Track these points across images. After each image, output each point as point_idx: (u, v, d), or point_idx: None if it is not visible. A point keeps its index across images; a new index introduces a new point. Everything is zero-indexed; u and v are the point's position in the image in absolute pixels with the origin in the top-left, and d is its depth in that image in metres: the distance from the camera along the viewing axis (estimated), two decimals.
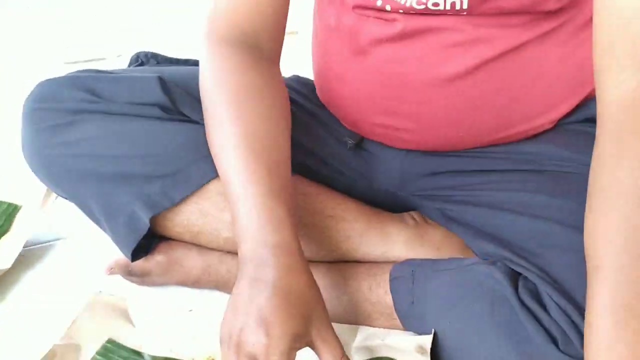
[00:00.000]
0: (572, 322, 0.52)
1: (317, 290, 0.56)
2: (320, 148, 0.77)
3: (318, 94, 0.79)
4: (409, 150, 0.74)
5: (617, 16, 0.49)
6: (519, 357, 0.52)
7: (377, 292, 0.66)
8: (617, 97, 0.49)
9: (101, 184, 0.71)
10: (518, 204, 0.63)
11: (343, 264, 0.71)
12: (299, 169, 0.72)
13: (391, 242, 0.71)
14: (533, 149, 0.69)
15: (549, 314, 0.52)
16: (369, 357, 0.63)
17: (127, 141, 0.71)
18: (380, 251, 0.70)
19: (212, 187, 0.70)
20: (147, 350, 0.69)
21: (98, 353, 0.68)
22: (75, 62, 1.33)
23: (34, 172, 0.76)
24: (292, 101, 0.73)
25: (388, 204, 0.78)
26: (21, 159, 0.76)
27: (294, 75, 0.86)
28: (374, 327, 0.66)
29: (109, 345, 0.70)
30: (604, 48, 0.51)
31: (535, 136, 0.70)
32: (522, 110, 0.68)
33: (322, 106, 0.79)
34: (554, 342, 0.51)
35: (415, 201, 0.76)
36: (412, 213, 0.76)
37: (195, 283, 0.76)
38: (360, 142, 0.77)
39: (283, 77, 0.72)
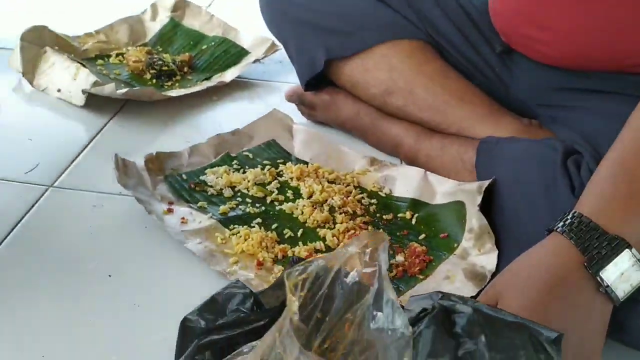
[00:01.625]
0: None
1: None
2: (472, 51, 0.91)
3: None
4: (545, 65, 0.84)
5: None
6: (546, 200, 0.64)
7: (469, 154, 0.80)
8: None
9: (300, 28, 0.95)
10: (610, 114, 0.72)
11: (453, 135, 0.86)
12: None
13: (501, 129, 0.83)
14: None
15: (580, 176, 0.62)
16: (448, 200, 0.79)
17: (327, 1, 0.94)
18: (488, 133, 0.83)
19: (377, 50, 0.90)
20: (296, 154, 0.93)
21: (263, 143, 0.94)
22: None
23: (262, 15, 1.03)
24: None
25: (518, 110, 0.89)
26: None
27: None
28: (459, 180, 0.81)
29: (271, 142, 0.95)
30: None
31: None
32: None
33: (485, 15, 0.92)
34: (574, 193, 0.61)
35: (538, 110, 0.86)
36: (532, 120, 0.87)
37: (344, 124, 0.97)
38: (508, 51, 0.89)
39: None
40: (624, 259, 0.50)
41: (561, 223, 0.53)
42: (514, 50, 0.88)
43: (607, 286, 0.49)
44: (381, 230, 0.78)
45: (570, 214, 0.53)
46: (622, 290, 0.50)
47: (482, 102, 0.87)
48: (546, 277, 0.50)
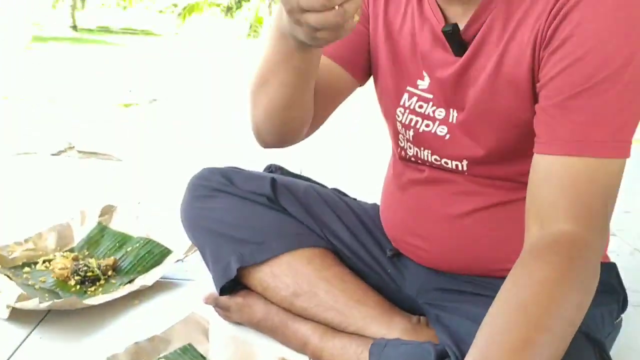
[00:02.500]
0: None
1: None
2: (367, 255, 1.05)
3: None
4: (427, 268, 0.98)
5: (532, 183, 0.73)
6: None
7: (364, 355, 0.89)
8: (527, 241, 0.72)
9: (216, 239, 1.06)
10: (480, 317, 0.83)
11: (353, 334, 0.96)
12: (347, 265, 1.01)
13: (393, 328, 0.94)
14: None
15: None
16: None
17: (239, 215, 1.06)
18: (381, 334, 0.93)
19: (284, 257, 1.02)
20: (211, 356, 0.99)
21: (179, 349, 1.00)
22: None
23: (182, 224, 1.14)
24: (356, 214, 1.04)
25: (410, 307, 1.01)
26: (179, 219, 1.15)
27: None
28: None
29: (187, 346, 1.01)
30: (527, 204, 0.74)
31: None
32: (507, 251, 0.89)
33: (377, 219, 1.07)
34: None
35: (426, 308, 0.98)
36: (421, 317, 0.98)
37: (257, 324, 1.05)
38: (398, 255, 1.03)
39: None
40: None
41: None
42: (402, 254, 1.02)
43: None
44: None
45: None
46: None
47: (376, 303, 0.98)
48: None
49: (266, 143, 0.93)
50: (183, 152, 2.37)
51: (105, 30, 18.01)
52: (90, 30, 16.82)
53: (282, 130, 0.89)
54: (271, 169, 1.24)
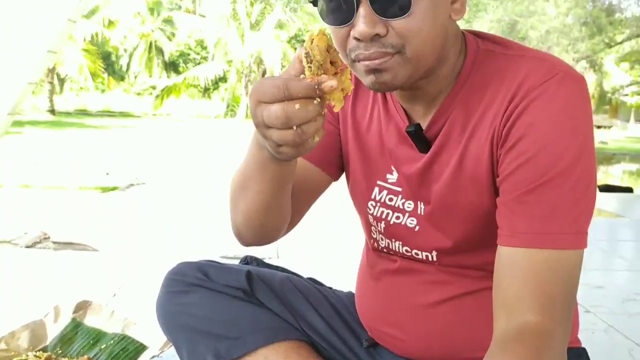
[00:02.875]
0: None
1: None
2: (343, 345, 1.05)
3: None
4: (404, 358, 0.98)
5: (497, 274, 0.75)
6: None
7: None
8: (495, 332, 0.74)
9: (192, 334, 1.06)
10: None
11: None
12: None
13: None
14: None
15: None
16: None
17: (215, 310, 1.06)
18: None
19: (260, 352, 1.01)
20: None
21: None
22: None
23: (157, 320, 1.14)
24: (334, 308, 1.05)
25: None
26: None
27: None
28: None
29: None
30: (493, 294, 0.76)
31: None
32: (481, 340, 0.90)
33: (353, 308, 1.08)
34: None
35: None
36: None
37: None
38: (374, 344, 1.03)
39: None
40: None
41: None
42: (378, 344, 1.02)
43: None
44: None
45: None
46: None
47: None
48: None
49: (247, 243, 0.95)
50: (160, 239, 2.37)
51: (83, 112, 18.24)
52: (68, 114, 17.01)
53: (261, 232, 0.91)
54: (247, 260, 1.25)
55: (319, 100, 0.60)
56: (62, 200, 3.29)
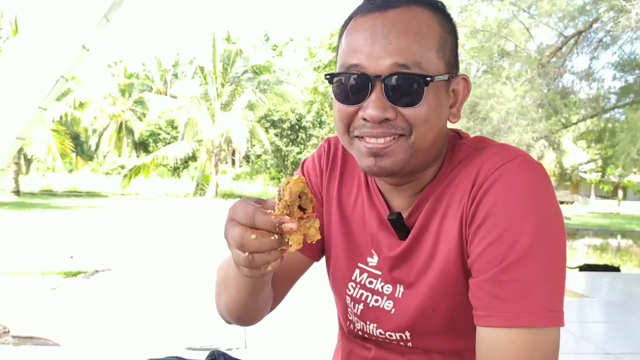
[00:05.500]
0: None
1: None
2: None
3: None
4: None
5: (479, 354, 0.76)
6: None
7: None
8: None
9: None
10: None
11: None
12: None
13: None
14: None
15: None
16: None
17: None
18: None
19: None
20: None
21: None
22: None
23: None
24: None
25: None
26: None
27: None
28: None
29: None
30: None
31: None
32: None
33: None
34: None
35: None
36: None
37: None
38: None
39: None
40: None
41: None
42: None
43: None
44: None
45: None
46: None
47: None
48: None
49: (230, 324, 0.97)
50: (125, 331, 2.31)
51: (49, 192, 17.97)
52: (33, 194, 16.74)
53: (243, 318, 0.93)
54: (214, 355, 1.23)
55: (277, 237, 0.63)
56: (24, 287, 3.19)
